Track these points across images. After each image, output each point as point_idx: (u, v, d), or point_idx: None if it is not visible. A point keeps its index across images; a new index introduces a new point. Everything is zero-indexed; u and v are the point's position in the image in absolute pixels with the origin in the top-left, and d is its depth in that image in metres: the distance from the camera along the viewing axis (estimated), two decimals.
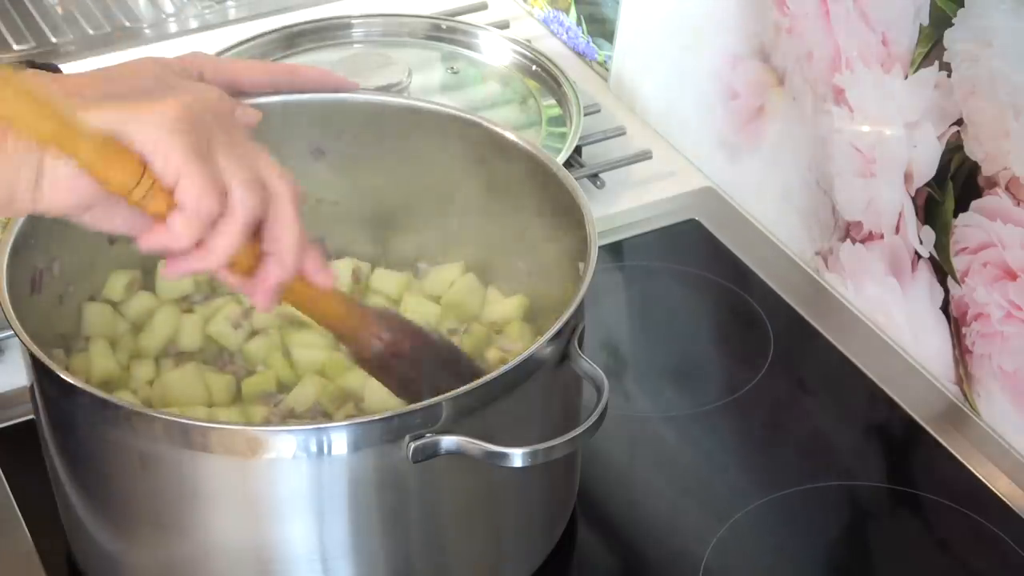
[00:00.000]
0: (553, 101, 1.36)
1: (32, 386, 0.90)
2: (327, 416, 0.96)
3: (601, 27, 1.49)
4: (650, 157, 1.36)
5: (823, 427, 1.12)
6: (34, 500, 1.01)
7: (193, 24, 1.59)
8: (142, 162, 0.78)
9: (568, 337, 0.89)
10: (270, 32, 1.43)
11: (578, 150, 1.34)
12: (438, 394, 0.84)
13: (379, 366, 0.92)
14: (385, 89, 1.31)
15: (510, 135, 1.01)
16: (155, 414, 0.85)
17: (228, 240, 0.80)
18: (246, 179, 0.80)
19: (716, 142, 1.35)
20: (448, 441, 0.83)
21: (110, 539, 0.92)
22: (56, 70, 1.01)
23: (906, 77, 1.10)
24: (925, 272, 1.13)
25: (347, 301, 0.91)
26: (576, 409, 0.96)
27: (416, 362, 0.92)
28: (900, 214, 1.14)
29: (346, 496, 0.85)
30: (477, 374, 0.89)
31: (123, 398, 0.94)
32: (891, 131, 1.13)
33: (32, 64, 0.97)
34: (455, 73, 1.42)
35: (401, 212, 1.08)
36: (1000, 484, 1.06)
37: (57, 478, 0.93)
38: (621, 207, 1.33)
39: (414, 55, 1.42)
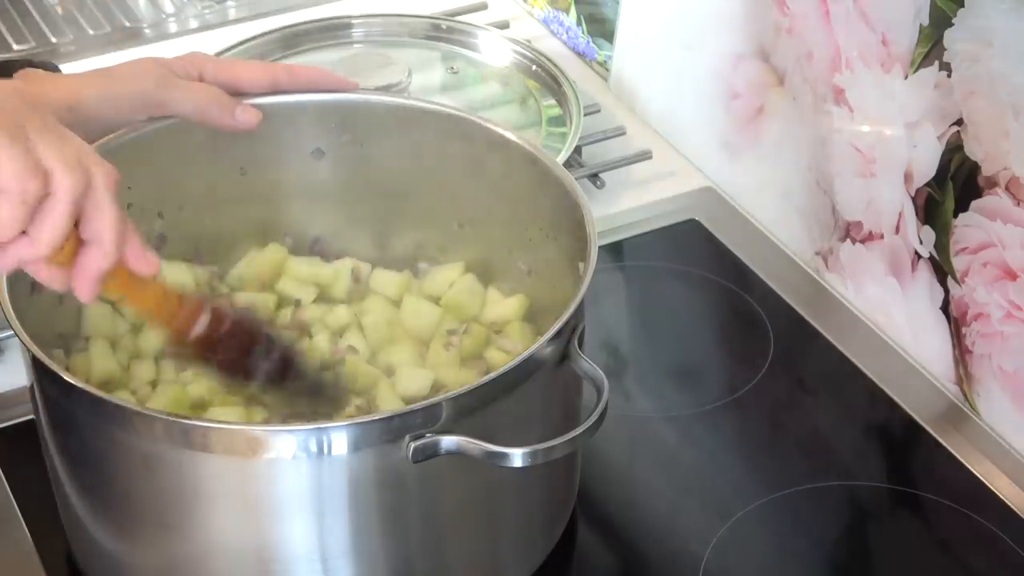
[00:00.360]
0: (553, 101, 1.36)
1: (32, 386, 0.90)
2: (327, 416, 0.96)
3: (601, 27, 1.49)
4: (650, 157, 1.36)
5: (823, 427, 1.12)
6: (34, 500, 1.01)
7: (193, 24, 1.59)
8: None
9: (568, 337, 0.89)
10: (270, 32, 1.43)
11: (578, 150, 1.33)
12: (263, 378, 0.88)
13: (200, 351, 0.90)
14: (385, 89, 1.31)
15: (510, 135, 1.01)
16: (155, 414, 0.85)
17: (54, 225, 0.77)
18: (66, 160, 0.77)
19: (716, 142, 1.35)
20: (448, 441, 0.83)
21: (110, 539, 0.92)
22: (55, 70, 1.01)
23: (906, 77, 1.10)
24: (925, 272, 1.13)
25: (165, 288, 0.89)
26: (576, 409, 0.96)
27: (240, 346, 0.91)
28: (900, 214, 1.14)
29: (346, 496, 0.85)
30: (291, 359, 0.92)
31: (123, 398, 0.94)
32: (891, 131, 1.13)
33: (31, 64, 0.97)
34: (455, 73, 1.42)
35: (401, 212, 1.08)
36: (1000, 484, 1.06)
37: (57, 478, 0.93)
38: (621, 207, 1.33)
39: (414, 55, 1.42)
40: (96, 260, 0.80)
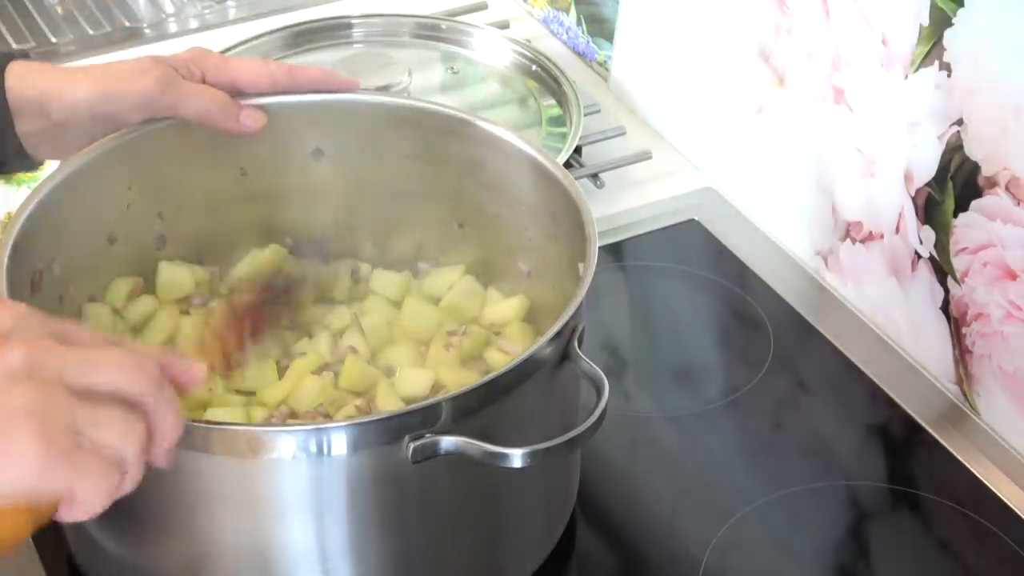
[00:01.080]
0: (553, 101, 1.36)
1: None
2: (327, 416, 0.96)
3: (601, 27, 1.49)
4: (650, 157, 1.36)
5: (823, 427, 1.12)
6: None
7: (193, 24, 1.59)
8: (26, 506, 0.70)
9: (568, 337, 0.89)
10: (270, 32, 1.43)
11: (578, 150, 1.34)
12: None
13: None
14: (385, 89, 1.31)
15: (510, 135, 1.01)
16: None
17: (136, 469, 0.73)
18: (118, 428, 0.71)
19: (716, 142, 1.35)
20: (448, 441, 0.83)
21: (110, 539, 0.92)
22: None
23: (906, 77, 1.10)
24: (925, 272, 1.13)
25: (209, 354, 0.85)
26: (576, 409, 0.96)
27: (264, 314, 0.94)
28: (900, 214, 1.14)
29: (346, 496, 0.85)
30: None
31: None
32: (891, 131, 1.13)
33: (10, 56, 0.97)
34: (455, 73, 1.42)
35: (401, 212, 1.08)
36: (1000, 484, 1.06)
37: None
38: (621, 207, 1.33)
39: (414, 55, 1.42)
40: (167, 439, 0.75)
